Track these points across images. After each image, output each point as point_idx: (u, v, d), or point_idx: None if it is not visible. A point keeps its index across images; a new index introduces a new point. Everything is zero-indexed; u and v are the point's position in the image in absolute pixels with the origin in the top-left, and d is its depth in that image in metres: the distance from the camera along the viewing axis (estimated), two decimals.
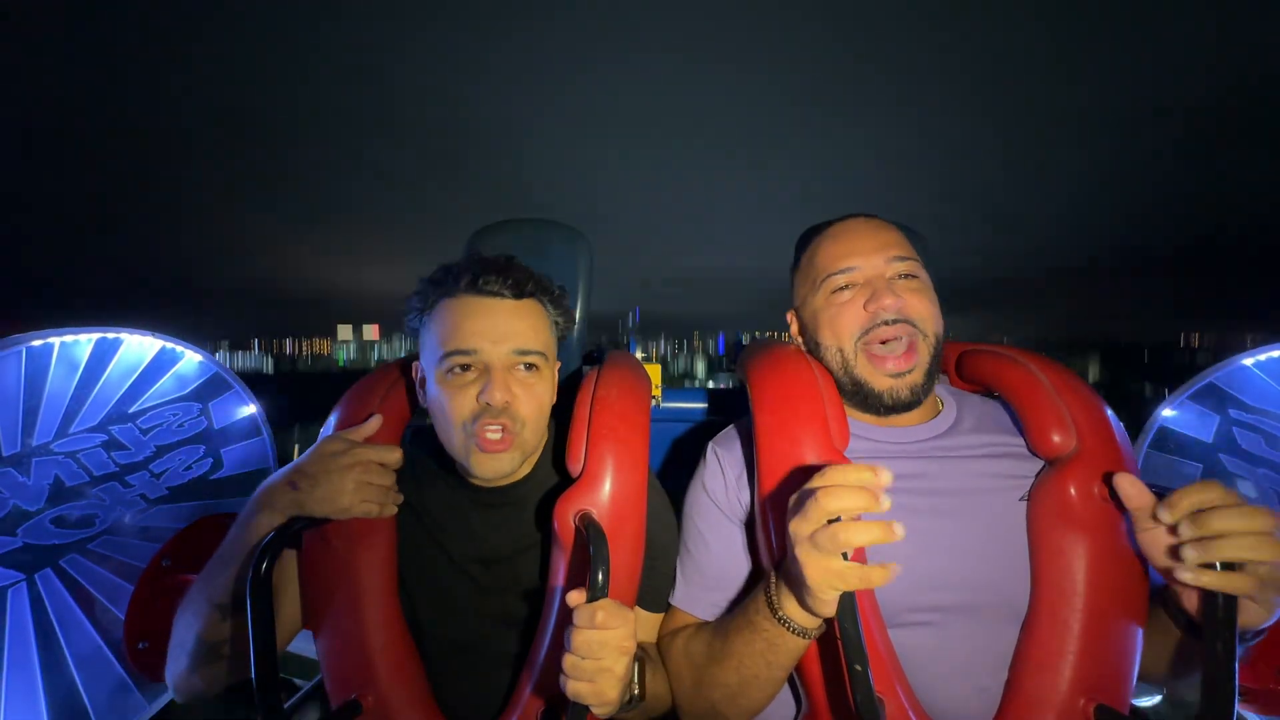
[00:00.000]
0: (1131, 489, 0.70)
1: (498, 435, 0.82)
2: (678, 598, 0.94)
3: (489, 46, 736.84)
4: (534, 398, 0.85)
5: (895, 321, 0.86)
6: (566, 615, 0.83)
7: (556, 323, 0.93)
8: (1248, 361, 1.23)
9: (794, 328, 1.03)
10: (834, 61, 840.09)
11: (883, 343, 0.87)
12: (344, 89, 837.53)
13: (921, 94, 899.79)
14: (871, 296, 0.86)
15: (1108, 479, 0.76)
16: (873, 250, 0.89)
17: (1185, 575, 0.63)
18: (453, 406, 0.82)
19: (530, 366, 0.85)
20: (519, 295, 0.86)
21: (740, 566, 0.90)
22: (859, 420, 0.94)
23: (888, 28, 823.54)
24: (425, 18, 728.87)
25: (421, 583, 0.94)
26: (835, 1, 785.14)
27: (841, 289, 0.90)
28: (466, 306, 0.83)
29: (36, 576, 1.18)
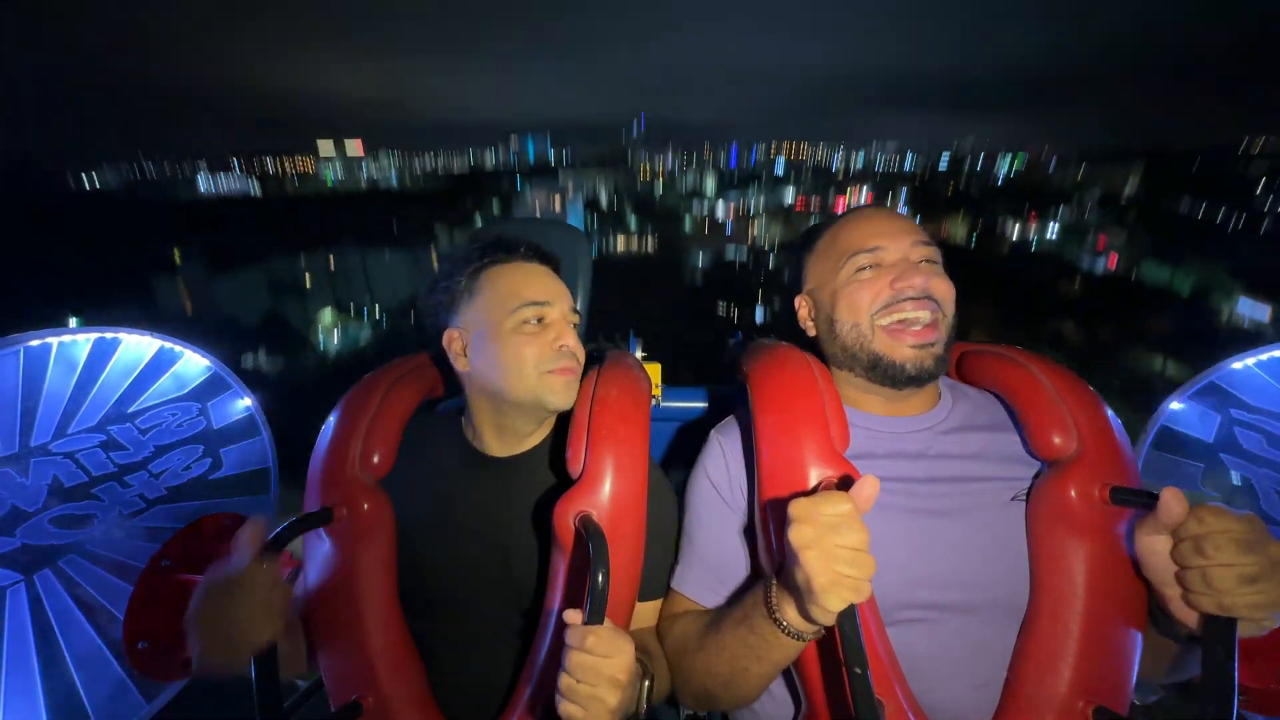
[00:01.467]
0: (1177, 505, 0.64)
1: (569, 366, 0.94)
2: (678, 580, 0.95)
3: None
4: (582, 346, 0.98)
5: (920, 298, 0.87)
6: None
7: None
8: (1249, 361, 1.23)
9: (803, 312, 1.02)
10: None
11: (902, 319, 0.88)
12: None
13: None
14: (899, 275, 0.88)
15: (1115, 494, 0.76)
16: (899, 233, 0.91)
17: (1188, 601, 0.65)
18: (528, 352, 0.91)
19: (576, 324, 0.99)
20: (557, 268, 1.01)
21: (740, 554, 0.91)
22: (860, 411, 0.94)
23: None
24: None
25: (424, 570, 0.95)
26: None
27: (865, 268, 0.91)
28: (526, 270, 0.96)
29: (35, 577, 1.18)
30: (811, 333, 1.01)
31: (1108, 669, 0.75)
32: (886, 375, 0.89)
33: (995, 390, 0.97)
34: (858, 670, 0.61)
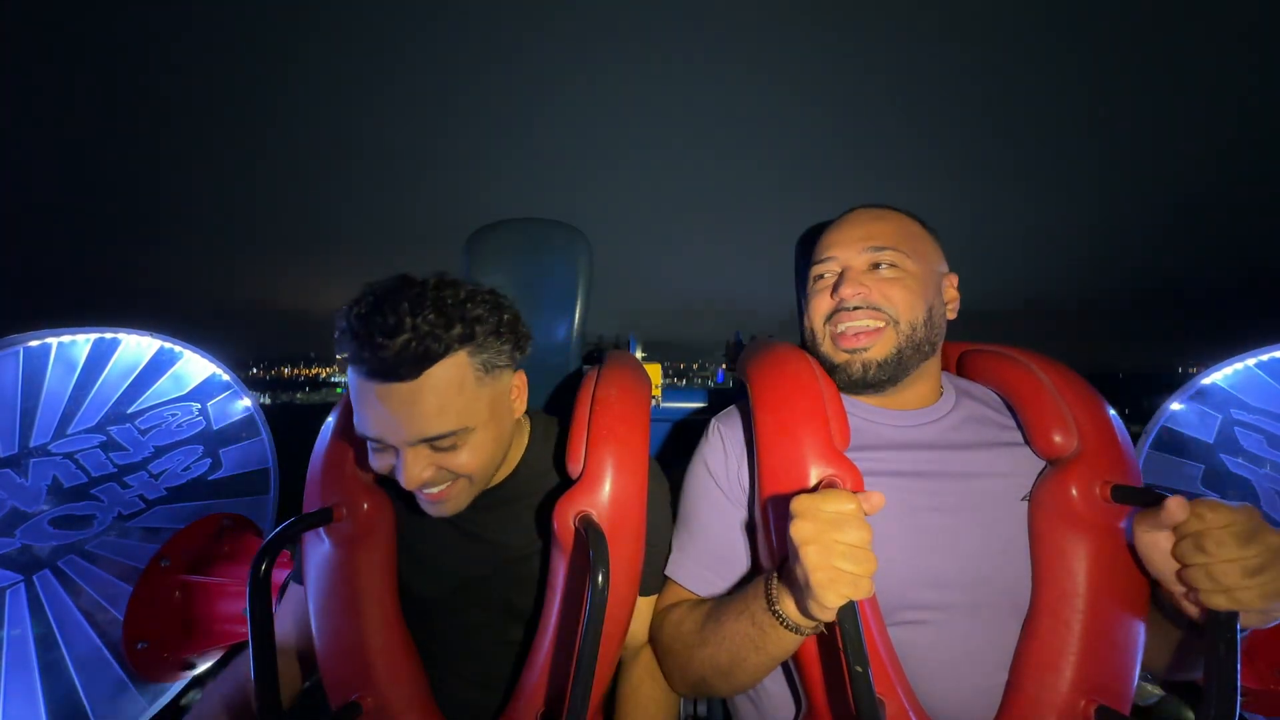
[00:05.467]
0: (1179, 511, 0.64)
1: (434, 493, 0.78)
2: (673, 569, 0.95)
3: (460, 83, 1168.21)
4: (466, 461, 0.76)
5: (858, 308, 0.89)
6: (566, 617, 0.83)
7: (495, 357, 0.77)
8: (1250, 362, 1.23)
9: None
10: (841, 68, 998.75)
11: (844, 327, 0.91)
12: (330, 97, 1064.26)
13: (936, 112, 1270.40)
14: (841, 284, 0.90)
15: (1117, 492, 0.76)
16: (853, 241, 0.92)
17: (1193, 598, 0.66)
18: (382, 469, 0.77)
19: (444, 448, 0.74)
20: (416, 373, 0.68)
21: (737, 546, 0.91)
22: (860, 401, 0.94)
23: (898, 41, 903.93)
24: (415, 28, 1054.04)
25: (421, 591, 0.95)
26: (839, 5, 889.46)
27: (821, 276, 0.95)
28: (363, 391, 0.70)
29: (35, 578, 1.18)
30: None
31: (1110, 668, 0.75)
32: (836, 378, 0.93)
33: (996, 389, 0.97)
34: (859, 669, 0.61)
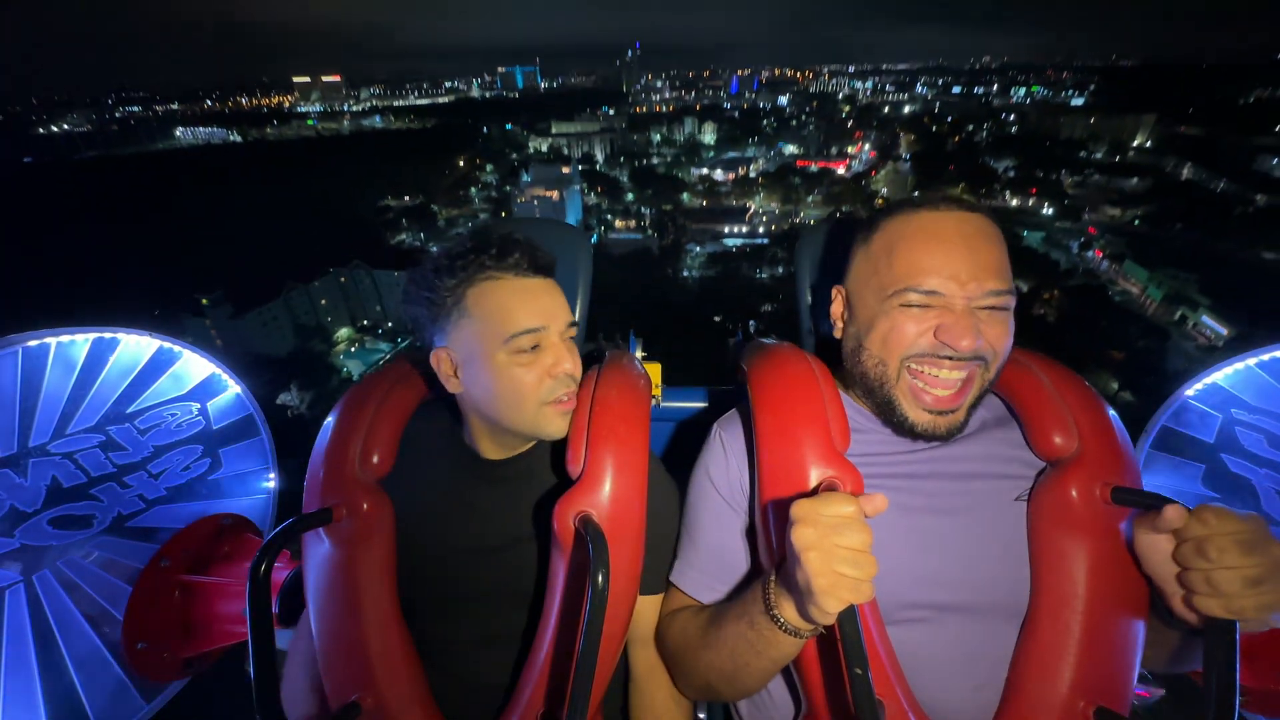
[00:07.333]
0: (1177, 518, 0.65)
1: (568, 397, 0.91)
2: (677, 576, 0.95)
3: None
4: (577, 359, 0.93)
5: (964, 359, 0.79)
6: (566, 616, 0.83)
7: None
8: (1250, 361, 1.23)
9: (837, 306, 0.94)
10: None
11: (934, 375, 0.81)
12: None
13: None
14: (950, 326, 0.78)
15: (1117, 494, 0.76)
16: (968, 277, 0.77)
17: (1192, 604, 0.65)
18: (529, 383, 0.87)
19: (574, 337, 0.94)
20: (551, 274, 0.93)
21: (739, 553, 0.91)
22: (861, 405, 0.93)
23: None
24: None
25: (422, 573, 0.95)
26: None
27: (912, 305, 0.81)
28: (521, 288, 0.88)
29: (35, 578, 1.18)
30: (838, 334, 0.95)
31: (1109, 670, 0.75)
32: (894, 424, 0.86)
33: (996, 390, 0.96)
34: (858, 670, 0.61)
